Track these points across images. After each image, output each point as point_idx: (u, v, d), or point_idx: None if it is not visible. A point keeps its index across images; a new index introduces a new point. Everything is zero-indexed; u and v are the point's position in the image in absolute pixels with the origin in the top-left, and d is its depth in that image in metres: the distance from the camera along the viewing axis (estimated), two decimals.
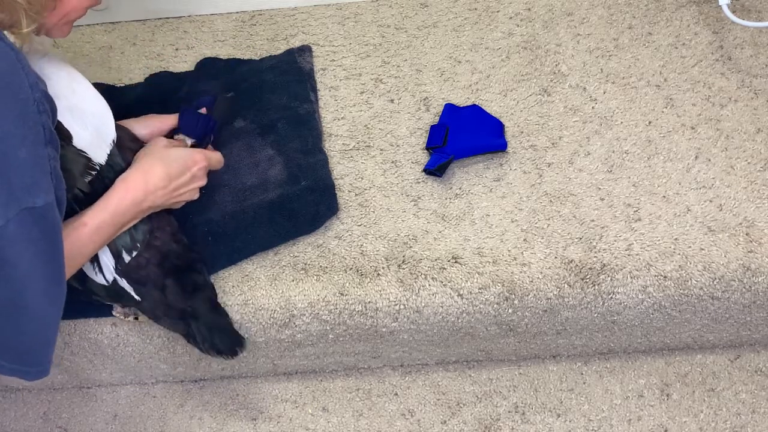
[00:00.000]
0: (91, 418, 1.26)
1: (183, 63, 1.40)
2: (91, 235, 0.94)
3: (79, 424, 1.25)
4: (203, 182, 1.07)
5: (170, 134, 1.11)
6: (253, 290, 1.12)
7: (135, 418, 1.25)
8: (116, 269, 1.01)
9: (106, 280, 1.02)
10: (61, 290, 0.87)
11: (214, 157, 1.10)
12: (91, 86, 0.99)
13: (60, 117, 0.93)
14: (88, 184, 0.97)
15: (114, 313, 1.12)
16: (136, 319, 1.12)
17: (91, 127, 0.97)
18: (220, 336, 1.07)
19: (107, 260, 1.01)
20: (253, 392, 1.26)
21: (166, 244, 1.05)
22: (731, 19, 1.28)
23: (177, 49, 1.42)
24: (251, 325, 1.13)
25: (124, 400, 1.27)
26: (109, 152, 0.99)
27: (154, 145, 1.05)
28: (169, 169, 1.01)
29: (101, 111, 0.99)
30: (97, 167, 0.97)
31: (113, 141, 1.00)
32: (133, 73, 1.40)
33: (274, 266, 1.14)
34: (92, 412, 1.26)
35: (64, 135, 0.94)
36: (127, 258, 1.01)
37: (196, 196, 1.08)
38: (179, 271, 1.05)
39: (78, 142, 0.95)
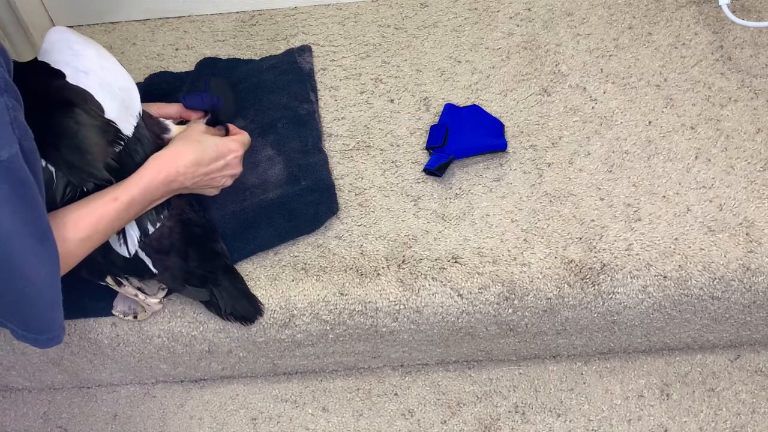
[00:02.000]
0: (91, 418, 1.26)
1: (183, 63, 1.40)
2: (120, 210, 0.95)
3: (79, 424, 1.25)
4: (237, 171, 1.09)
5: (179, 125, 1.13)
6: (253, 290, 1.12)
7: (135, 418, 1.25)
8: (140, 242, 1.03)
9: (129, 253, 1.04)
10: (47, 247, 0.84)
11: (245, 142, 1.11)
12: (117, 62, 1.02)
13: (92, 91, 0.97)
14: (118, 154, 0.99)
15: (114, 312, 1.12)
16: (136, 318, 1.12)
17: (119, 100, 1.00)
18: (240, 301, 1.10)
19: (133, 233, 1.03)
20: (253, 392, 1.26)
21: (186, 213, 1.08)
22: (731, 19, 1.28)
23: (177, 49, 1.42)
24: (251, 325, 1.13)
25: (124, 400, 1.27)
26: (135, 124, 1.02)
27: (192, 129, 1.08)
28: (203, 154, 1.03)
29: (128, 86, 1.02)
30: (125, 138, 1.00)
31: (139, 114, 1.03)
32: (133, 73, 1.38)
33: (274, 266, 1.14)
34: (92, 412, 1.26)
35: (96, 107, 0.97)
36: (151, 230, 1.04)
37: (228, 183, 1.09)
38: (200, 239, 1.09)
39: (109, 113, 0.98)
